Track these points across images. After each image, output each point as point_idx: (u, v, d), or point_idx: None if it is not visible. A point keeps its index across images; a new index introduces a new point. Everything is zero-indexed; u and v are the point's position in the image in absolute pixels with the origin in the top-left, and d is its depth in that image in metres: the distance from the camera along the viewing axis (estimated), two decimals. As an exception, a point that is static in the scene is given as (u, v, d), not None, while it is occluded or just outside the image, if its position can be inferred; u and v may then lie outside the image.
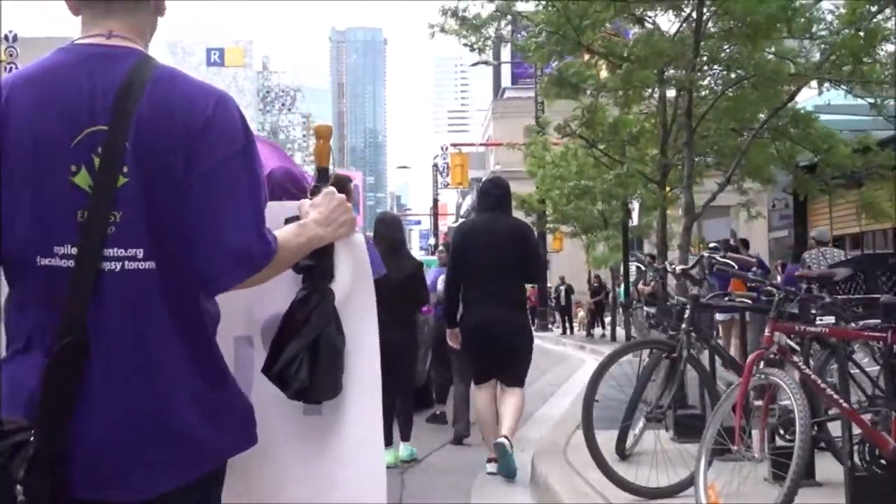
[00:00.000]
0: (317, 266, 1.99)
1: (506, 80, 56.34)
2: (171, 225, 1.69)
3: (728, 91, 9.61)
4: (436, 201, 54.41)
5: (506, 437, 6.04)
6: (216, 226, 1.70)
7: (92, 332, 1.64)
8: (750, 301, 5.71)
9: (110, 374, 1.65)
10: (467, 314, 6.29)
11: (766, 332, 4.14)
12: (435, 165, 52.46)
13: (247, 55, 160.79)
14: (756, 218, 16.68)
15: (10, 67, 27.38)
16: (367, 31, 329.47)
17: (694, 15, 9.43)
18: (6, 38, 28.67)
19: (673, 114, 11.70)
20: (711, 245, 8.38)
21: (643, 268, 6.71)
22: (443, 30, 11.31)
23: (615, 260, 24.69)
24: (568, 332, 30.52)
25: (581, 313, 30.93)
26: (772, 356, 4.11)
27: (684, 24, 9.82)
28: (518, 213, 9.45)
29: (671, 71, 9.23)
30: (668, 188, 12.14)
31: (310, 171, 3.52)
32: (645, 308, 17.48)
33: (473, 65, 37.38)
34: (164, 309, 1.70)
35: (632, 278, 21.49)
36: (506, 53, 51.19)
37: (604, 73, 10.69)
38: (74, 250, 1.65)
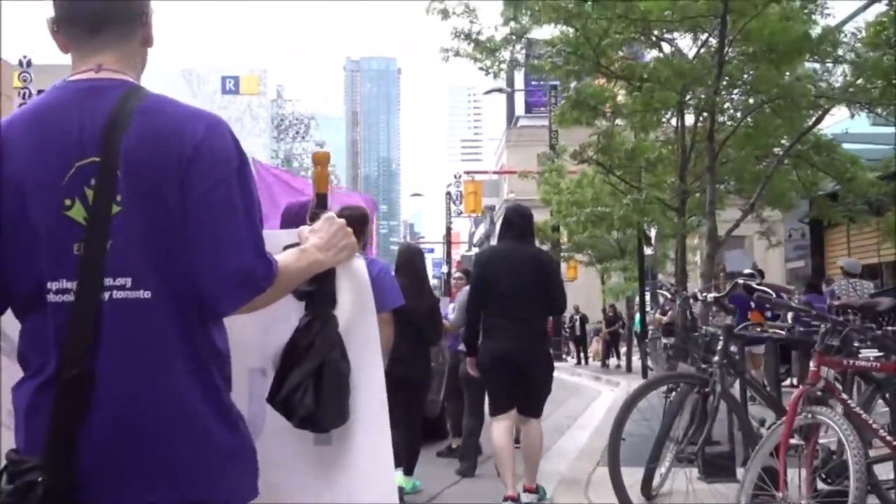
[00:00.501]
0: (318, 291, 1.97)
1: (519, 108, 56.23)
2: (167, 252, 1.68)
3: (748, 117, 9.31)
4: (449, 229, 54.23)
5: (529, 490, 6.02)
6: (214, 249, 1.68)
7: (91, 361, 1.63)
8: (783, 332, 5.36)
9: (108, 402, 1.63)
10: (487, 342, 6.10)
11: (812, 366, 3.80)
12: (448, 193, 52.35)
13: (261, 83, 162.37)
14: (777, 246, 16.35)
15: (25, 93, 27.43)
16: (382, 61, 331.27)
17: (715, 37, 9.20)
18: (20, 63, 28.77)
19: (692, 139, 11.46)
20: (746, 272, 8.04)
21: (668, 296, 6.33)
22: (457, 54, 11.13)
23: (632, 289, 24.25)
24: (582, 362, 30.06)
25: (595, 344, 30.45)
26: (818, 393, 3.77)
27: (703, 48, 9.58)
28: (533, 241, 9.16)
29: (692, 93, 8.91)
30: (686, 215, 11.86)
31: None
32: (663, 339, 17.07)
33: (487, 92, 37.22)
34: (163, 337, 1.68)
35: (648, 307, 21.11)
36: (519, 80, 51.29)
37: (621, 98, 10.42)
38: (71, 284, 1.65)
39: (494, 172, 52.52)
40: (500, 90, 36.56)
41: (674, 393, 5.32)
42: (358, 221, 4.72)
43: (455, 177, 52.59)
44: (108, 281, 1.65)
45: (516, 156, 46.22)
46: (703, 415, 4.62)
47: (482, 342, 6.15)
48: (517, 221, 6.33)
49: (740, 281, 4.79)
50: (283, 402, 1.89)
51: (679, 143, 10.70)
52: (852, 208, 12.35)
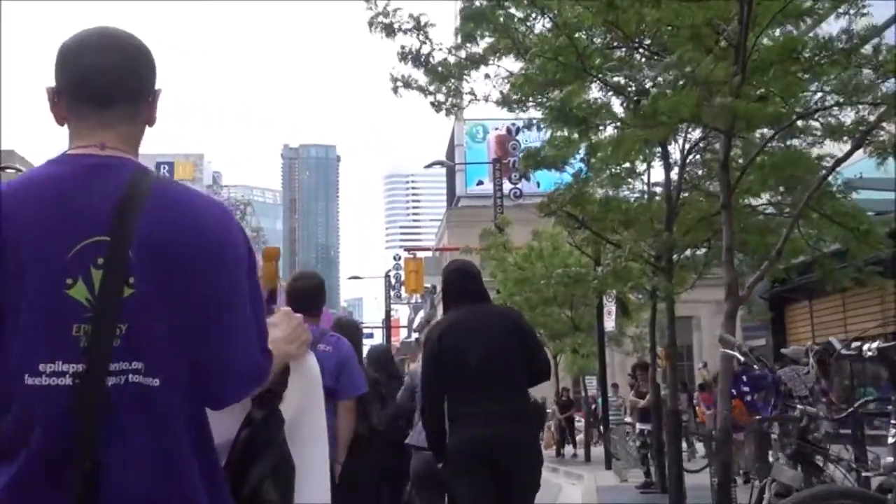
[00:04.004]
0: (274, 386, 1.93)
1: (459, 188, 55.19)
2: (176, 340, 1.65)
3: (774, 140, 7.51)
4: (388, 313, 52.68)
5: None
6: (227, 343, 1.69)
7: (101, 449, 1.57)
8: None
9: (117, 489, 1.57)
10: (459, 431, 4.85)
11: None
12: (387, 277, 51.13)
13: (197, 169, 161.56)
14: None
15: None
16: (321, 149, 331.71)
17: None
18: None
19: (678, 185, 9.72)
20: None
21: (742, 359, 4.45)
22: (407, 84, 9.34)
23: (593, 366, 22.11)
24: (534, 451, 27.84)
25: (547, 432, 28.30)
26: None
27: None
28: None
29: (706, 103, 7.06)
30: (673, 276, 10.05)
31: None
32: (638, 425, 14.84)
33: (427, 166, 35.70)
34: (172, 424, 1.64)
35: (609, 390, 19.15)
36: (459, 155, 50.29)
37: (618, 110, 8.58)
38: (68, 367, 1.58)
39: (436, 249, 50.95)
40: (441, 163, 35.10)
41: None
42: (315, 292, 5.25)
43: (395, 258, 51.18)
44: (124, 364, 1.60)
45: (458, 235, 44.96)
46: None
47: (451, 434, 4.89)
48: (463, 281, 5.32)
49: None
50: (251, 498, 1.82)
51: (665, 185, 8.95)
52: (862, 269, 10.50)
